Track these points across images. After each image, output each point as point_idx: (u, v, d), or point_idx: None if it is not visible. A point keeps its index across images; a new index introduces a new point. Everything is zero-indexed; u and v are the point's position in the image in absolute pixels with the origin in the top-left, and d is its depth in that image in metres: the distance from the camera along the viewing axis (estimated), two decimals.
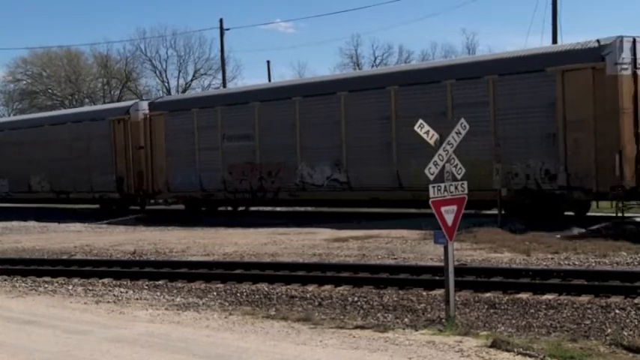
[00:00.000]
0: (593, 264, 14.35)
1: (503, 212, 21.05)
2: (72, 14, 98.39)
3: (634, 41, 19.61)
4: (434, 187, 9.65)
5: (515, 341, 8.51)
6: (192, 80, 70.29)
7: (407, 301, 11.76)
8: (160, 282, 14.35)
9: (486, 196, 20.08)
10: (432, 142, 9.85)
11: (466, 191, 9.97)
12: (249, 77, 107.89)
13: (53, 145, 35.28)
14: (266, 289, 13.18)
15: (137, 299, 12.72)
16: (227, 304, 12.18)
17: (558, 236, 18.22)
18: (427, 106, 22.30)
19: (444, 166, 9.80)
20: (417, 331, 9.49)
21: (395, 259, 16.00)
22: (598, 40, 20.16)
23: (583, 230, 19.14)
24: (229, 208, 30.86)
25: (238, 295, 12.94)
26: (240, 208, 31.21)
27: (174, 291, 13.53)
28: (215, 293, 13.16)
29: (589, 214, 21.87)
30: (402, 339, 8.92)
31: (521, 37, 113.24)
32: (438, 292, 11.82)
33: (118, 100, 59.92)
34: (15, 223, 29.61)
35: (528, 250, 15.92)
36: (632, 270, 13.33)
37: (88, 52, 78.73)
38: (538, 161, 20.96)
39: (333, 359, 8.17)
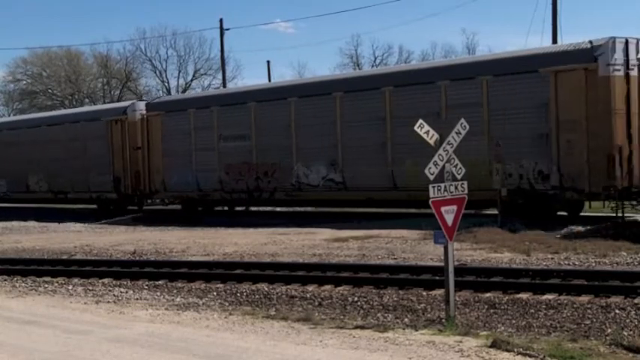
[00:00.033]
0: (593, 264, 14.35)
1: (496, 212, 21.13)
2: (72, 14, 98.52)
3: (626, 42, 19.75)
4: (434, 187, 9.64)
5: (515, 341, 8.51)
6: (192, 80, 70.39)
7: (407, 301, 11.76)
8: (159, 282, 14.35)
9: (482, 196, 20.12)
10: (432, 142, 9.85)
11: (466, 191, 9.97)
12: (249, 77, 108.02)
13: (51, 146, 35.39)
14: (266, 289, 13.18)
15: (137, 299, 12.72)
16: (227, 304, 12.18)
17: (558, 236, 18.25)
18: (422, 107, 22.44)
19: (444, 166, 9.79)
20: (417, 331, 9.49)
21: (395, 259, 16.00)
22: (590, 41, 20.30)
23: (585, 228, 19.20)
24: (226, 208, 30.99)
25: (238, 295, 12.94)
26: (240, 208, 31.29)
27: (174, 291, 13.53)
28: (215, 293, 13.16)
29: (588, 214, 21.89)
30: (402, 339, 8.92)
31: (521, 37, 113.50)
32: (438, 292, 11.82)
33: (118, 100, 59.91)
34: (15, 223, 29.62)
35: (528, 250, 15.93)
36: (632, 270, 13.33)
37: (88, 52, 78.85)
38: (531, 161, 21.13)
39: (333, 359, 8.17)
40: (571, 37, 65.99)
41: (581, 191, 20.38)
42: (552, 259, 15.04)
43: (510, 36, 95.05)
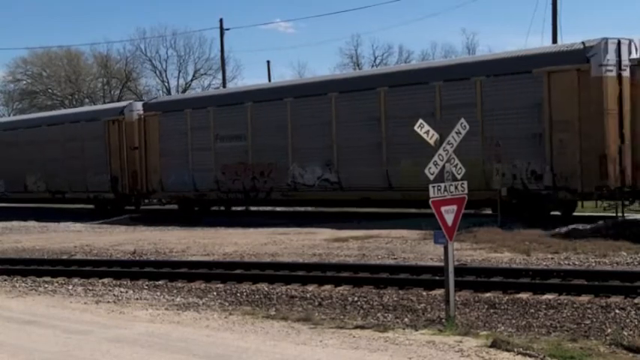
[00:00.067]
0: (593, 264, 14.35)
1: (490, 212, 21.21)
2: (72, 14, 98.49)
3: (619, 43, 19.89)
4: (434, 187, 9.64)
5: (515, 341, 8.51)
6: (192, 80, 70.35)
7: (407, 301, 11.76)
8: (160, 282, 14.35)
9: (477, 196, 20.20)
10: (432, 142, 9.84)
11: (466, 191, 9.97)
12: (249, 77, 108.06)
13: (49, 146, 35.51)
14: (266, 289, 13.18)
15: (137, 299, 12.72)
16: (227, 304, 12.17)
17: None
18: (416, 107, 22.63)
19: (444, 166, 9.79)
20: (417, 331, 9.49)
21: (395, 259, 16.00)
22: (583, 42, 20.48)
23: (587, 226, 19.25)
24: (222, 208, 31.11)
25: (238, 295, 12.94)
26: (240, 208, 31.35)
27: (174, 291, 13.53)
28: (215, 293, 13.16)
29: (581, 213, 21.93)
30: (402, 339, 8.91)
31: (521, 37, 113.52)
32: (438, 292, 11.82)
33: (118, 100, 59.92)
34: (15, 223, 29.63)
35: (528, 250, 15.93)
36: (632, 270, 13.33)
37: (88, 52, 78.82)
38: (524, 161, 21.25)
39: (333, 359, 8.17)
40: (571, 37, 66.02)
41: (574, 191, 20.53)
42: (552, 259, 15.04)
43: (510, 36, 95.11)
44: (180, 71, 70.60)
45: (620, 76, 19.82)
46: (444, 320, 9.85)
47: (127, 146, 31.94)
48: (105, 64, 70.09)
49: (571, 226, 18.90)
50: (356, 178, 24.90)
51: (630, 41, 19.96)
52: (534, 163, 21.04)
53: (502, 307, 11.13)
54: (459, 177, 9.95)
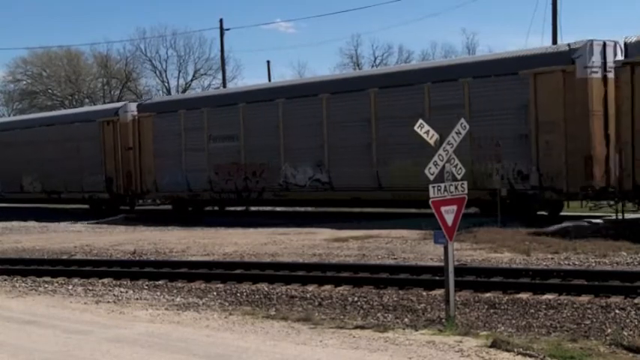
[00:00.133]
0: (593, 264, 14.35)
1: (479, 211, 21.32)
2: (72, 14, 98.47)
3: (604, 45, 20.13)
4: (434, 187, 9.64)
5: (515, 341, 8.51)
6: (192, 80, 70.34)
7: (407, 301, 11.76)
8: (160, 282, 14.35)
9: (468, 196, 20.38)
10: (432, 142, 9.84)
11: (466, 191, 9.97)
12: (249, 77, 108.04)
13: (45, 146, 35.69)
14: (266, 289, 13.18)
15: (137, 299, 12.73)
16: (227, 304, 12.17)
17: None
18: (406, 108, 23.04)
19: (443, 166, 9.79)
20: (417, 331, 9.49)
21: (395, 259, 16.00)
22: (569, 44, 20.80)
23: (586, 224, 19.55)
24: (216, 208, 31.23)
25: (238, 295, 12.94)
26: (238, 208, 31.42)
27: (174, 291, 13.53)
28: (215, 293, 13.16)
29: (588, 214, 21.95)
30: (402, 339, 8.91)
31: (522, 37, 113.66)
32: (438, 292, 11.82)
33: (118, 100, 59.96)
34: (15, 223, 29.67)
35: (528, 250, 15.93)
36: (632, 270, 13.33)
37: (88, 52, 78.81)
38: (511, 162, 21.44)
39: (333, 359, 8.17)
40: (571, 37, 65.85)
41: (559, 191, 20.78)
42: (552, 259, 15.04)
43: (510, 36, 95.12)
44: (180, 71, 70.70)
45: (605, 78, 20.03)
46: (444, 320, 9.85)
47: (122, 147, 32.20)
48: (105, 64, 70.09)
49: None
50: (347, 178, 25.15)
51: (615, 43, 20.19)
52: (521, 164, 21.29)
53: (502, 307, 11.12)
54: (459, 177, 9.95)
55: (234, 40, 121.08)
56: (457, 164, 9.94)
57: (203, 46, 74.53)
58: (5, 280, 15.25)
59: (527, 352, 7.99)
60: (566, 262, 14.58)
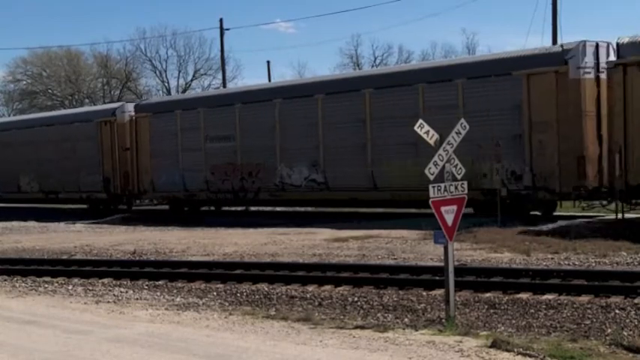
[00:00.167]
0: (593, 264, 14.35)
1: (472, 211, 21.37)
2: (72, 14, 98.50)
3: (597, 46, 20.26)
4: (434, 187, 9.64)
5: (515, 341, 8.51)
6: (192, 80, 70.34)
7: (407, 301, 11.76)
8: (160, 282, 14.35)
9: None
10: (432, 142, 9.84)
11: (466, 191, 9.98)
12: (249, 77, 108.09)
13: (42, 146, 35.77)
14: (266, 289, 13.18)
15: (137, 299, 12.73)
16: (227, 304, 12.18)
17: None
18: (400, 109, 23.25)
19: (444, 166, 9.79)
20: (417, 331, 9.49)
21: (395, 259, 16.00)
22: (561, 45, 21.04)
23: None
24: (212, 208, 31.30)
25: (238, 295, 12.94)
26: (237, 209, 31.46)
27: (174, 291, 13.53)
28: (215, 293, 13.16)
29: (589, 213, 21.97)
30: (402, 339, 8.91)
31: (522, 37, 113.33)
32: (438, 292, 11.82)
33: (118, 100, 59.98)
34: (15, 223, 29.68)
35: (528, 250, 15.93)
36: (632, 270, 13.33)
37: (88, 52, 78.94)
38: (505, 162, 21.45)
39: (333, 359, 8.17)
40: (571, 37, 65.82)
41: (552, 191, 20.88)
42: (552, 259, 15.04)
43: (510, 36, 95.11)
44: (180, 71, 70.71)
45: (598, 79, 20.13)
46: (444, 320, 9.85)
47: (119, 147, 32.27)
48: (105, 64, 70.09)
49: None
50: (342, 178, 25.27)
51: (608, 44, 20.30)
52: (514, 164, 21.40)
53: (502, 307, 11.12)
54: (459, 177, 9.95)
55: (234, 40, 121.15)
56: (457, 164, 9.95)
57: (203, 46, 74.75)
58: (5, 280, 15.25)
59: (527, 352, 7.99)
60: (566, 262, 14.58)
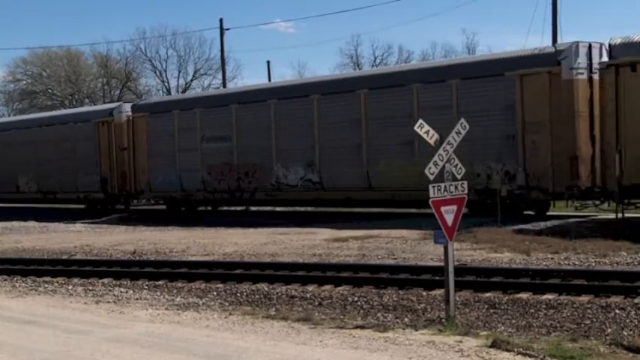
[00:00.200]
0: (593, 264, 14.35)
1: (467, 211, 21.38)
2: (72, 14, 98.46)
3: (589, 47, 20.38)
4: (434, 187, 9.64)
5: (515, 341, 8.51)
6: (192, 80, 70.31)
7: (407, 301, 11.76)
8: (160, 282, 14.35)
9: None
10: (431, 142, 9.84)
11: (466, 191, 9.98)
12: (249, 77, 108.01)
13: (40, 147, 35.86)
14: (266, 289, 13.18)
15: (137, 299, 12.72)
16: (227, 304, 12.17)
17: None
18: (395, 109, 23.45)
19: (443, 166, 9.79)
20: (417, 331, 9.49)
21: (395, 259, 16.00)
22: (554, 45, 21.29)
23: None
24: (209, 208, 31.30)
25: (238, 295, 12.94)
26: (240, 208, 31.47)
27: (174, 291, 13.53)
28: (215, 293, 13.16)
29: (588, 213, 22.00)
30: (402, 339, 8.91)
31: (522, 37, 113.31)
32: (438, 292, 11.82)
33: (118, 100, 59.99)
34: (15, 223, 29.69)
35: (528, 250, 15.93)
36: (632, 270, 13.33)
37: (88, 52, 78.85)
38: (498, 162, 21.50)
39: (333, 359, 8.17)
40: (571, 37, 65.77)
41: (545, 191, 20.99)
42: (552, 259, 15.04)
43: (510, 36, 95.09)
44: (180, 71, 70.67)
45: (590, 79, 20.21)
46: (444, 320, 9.85)
47: (117, 147, 32.36)
48: (105, 64, 70.08)
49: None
50: (337, 178, 25.38)
51: (601, 45, 20.39)
52: (508, 164, 21.49)
53: (502, 307, 11.12)
54: (459, 177, 9.95)
55: (234, 40, 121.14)
56: (457, 164, 9.95)
57: (203, 46, 74.59)
58: (5, 280, 15.25)
59: (527, 352, 7.99)
60: (566, 262, 14.58)
